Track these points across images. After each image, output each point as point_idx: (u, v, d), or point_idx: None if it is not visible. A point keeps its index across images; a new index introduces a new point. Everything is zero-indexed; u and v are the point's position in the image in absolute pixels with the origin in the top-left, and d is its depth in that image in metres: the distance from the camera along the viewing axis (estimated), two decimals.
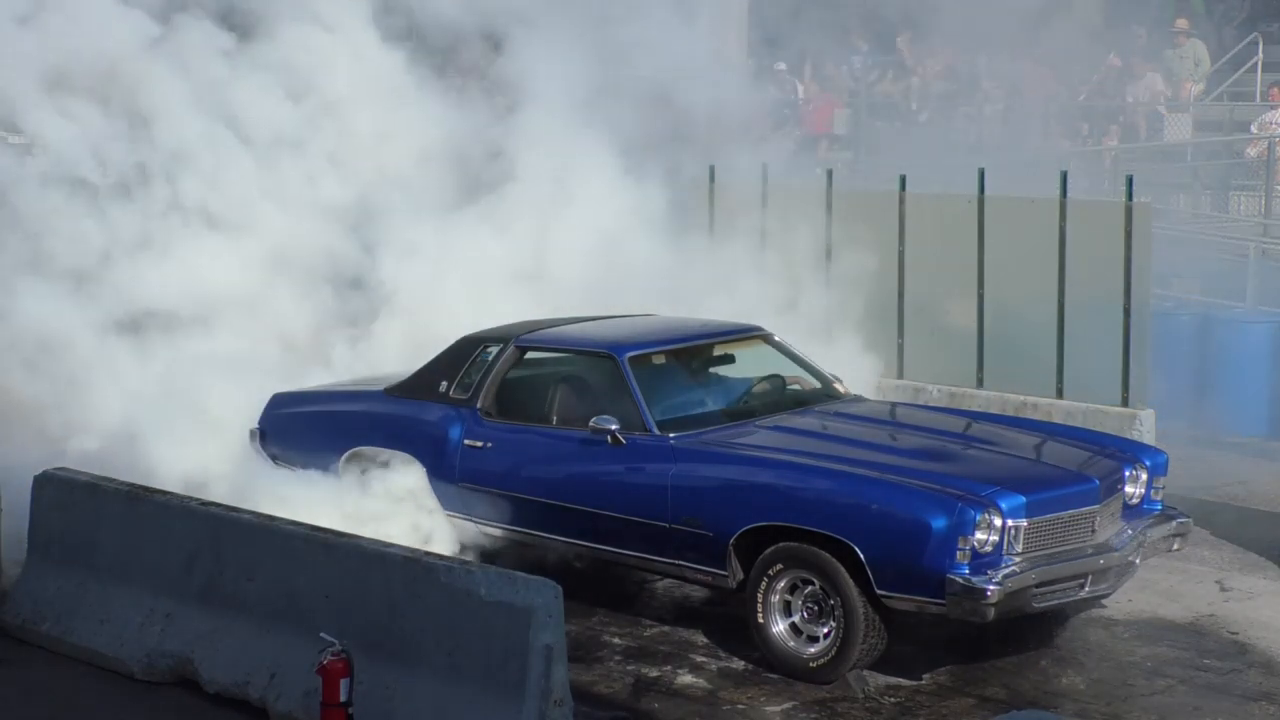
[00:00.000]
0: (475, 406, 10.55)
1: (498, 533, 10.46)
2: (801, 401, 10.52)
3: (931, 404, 12.91)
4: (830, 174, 14.77)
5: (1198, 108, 21.63)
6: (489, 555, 10.26)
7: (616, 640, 9.93)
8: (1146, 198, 12.77)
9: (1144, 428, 12.28)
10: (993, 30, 21.19)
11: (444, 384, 10.74)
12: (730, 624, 9.86)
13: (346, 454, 10.94)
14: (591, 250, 13.70)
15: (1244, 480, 12.97)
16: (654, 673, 9.41)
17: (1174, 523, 9.84)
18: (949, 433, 10.13)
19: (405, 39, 14.47)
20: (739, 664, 9.47)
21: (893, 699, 8.96)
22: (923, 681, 9.16)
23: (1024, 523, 8.86)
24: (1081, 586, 9.05)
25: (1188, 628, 9.97)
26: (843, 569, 8.93)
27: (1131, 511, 9.72)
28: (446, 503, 10.55)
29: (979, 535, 8.70)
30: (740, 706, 8.91)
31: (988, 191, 13.45)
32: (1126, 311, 12.47)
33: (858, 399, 10.94)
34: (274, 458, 11.33)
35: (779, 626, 9.24)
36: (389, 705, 8.12)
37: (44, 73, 12.90)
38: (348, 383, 11.87)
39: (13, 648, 9.70)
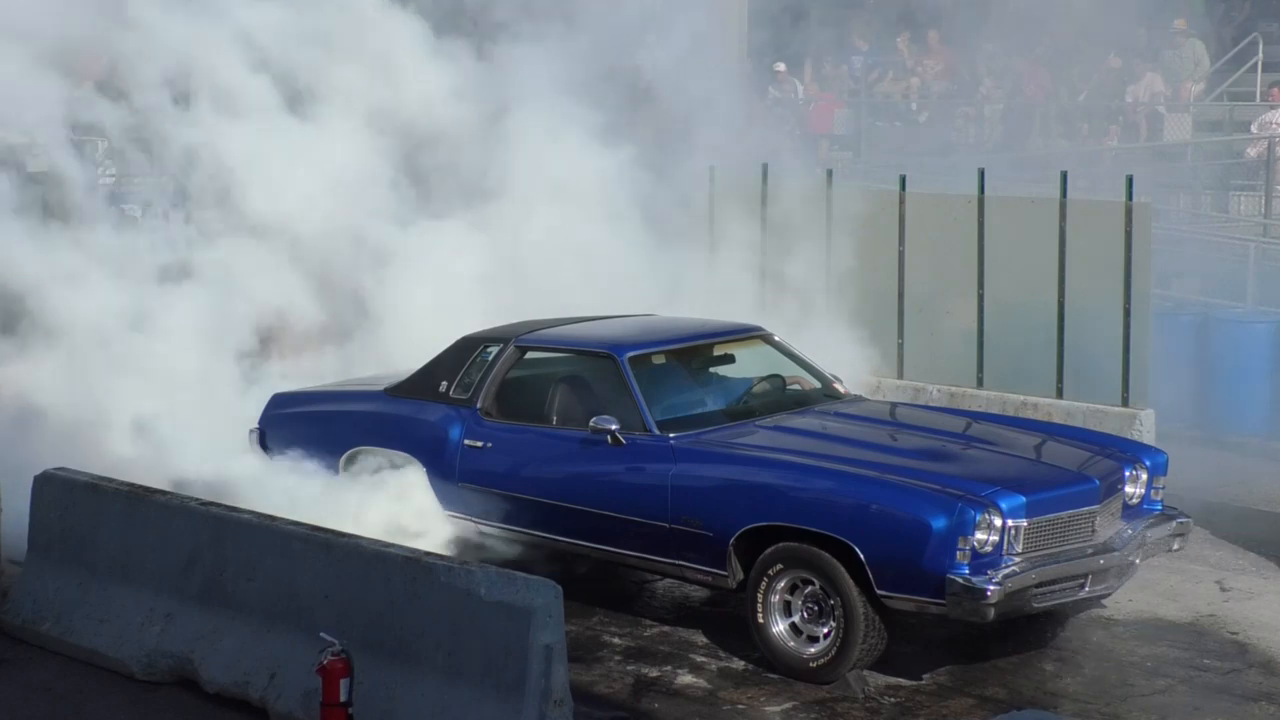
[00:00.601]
0: (475, 406, 10.55)
1: (498, 533, 10.46)
2: (801, 401, 10.52)
3: (931, 404, 12.92)
4: (830, 174, 14.77)
5: (1198, 108, 21.63)
6: (489, 555, 10.25)
7: (616, 640, 9.93)
8: (1146, 198, 12.77)
9: (1144, 428, 12.28)
10: (993, 30, 21.22)
11: (444, 384, 10.75)
12: (730, 624, 9.86)
13: (346, 454, 10.94)
14: (591, 250, 13.71)
15: (1244, 480, 12.97)
16: (654, 673, 9.41)
17: (1174, 523, 9.83)
18: (949, 433, 10.13)
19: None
20: (739, 664, 9.47)
21: (893, 699, 8.96)
22: (923, 681, 9.16)
23: (1024, 523, 8.86)
24: (1081, 586, 9.05)
25: (1188, 628, 9.97)
26: (843, 569, 8.93)
27: (1131, 511, 9.72)
28: (446, 503, 10.55)
29: (979, 535, 8.70)
30: (740, 706, 8.92)
31: (988, 191, 13.46)
32: (1126, 311, 12.48)
33: (858, 399, 10.94)
34: (274, 458, 11.33)
35: (779, 626, 9.24)
36: (389, 705, 8.12)
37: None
38: (348, 383, 11.87)
39: (13, 648, 9.69)
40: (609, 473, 9.88)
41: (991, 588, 8.59)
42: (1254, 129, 20.30)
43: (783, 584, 9.20)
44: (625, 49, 15.23)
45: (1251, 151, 20.16)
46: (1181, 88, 21.59)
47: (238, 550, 9.04)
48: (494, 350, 10.74)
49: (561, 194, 14.04)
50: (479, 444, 10.44)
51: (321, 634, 7.91)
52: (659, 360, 10.51)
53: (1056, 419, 12.22)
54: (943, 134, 22.16)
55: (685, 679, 9.31)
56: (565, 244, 13.77)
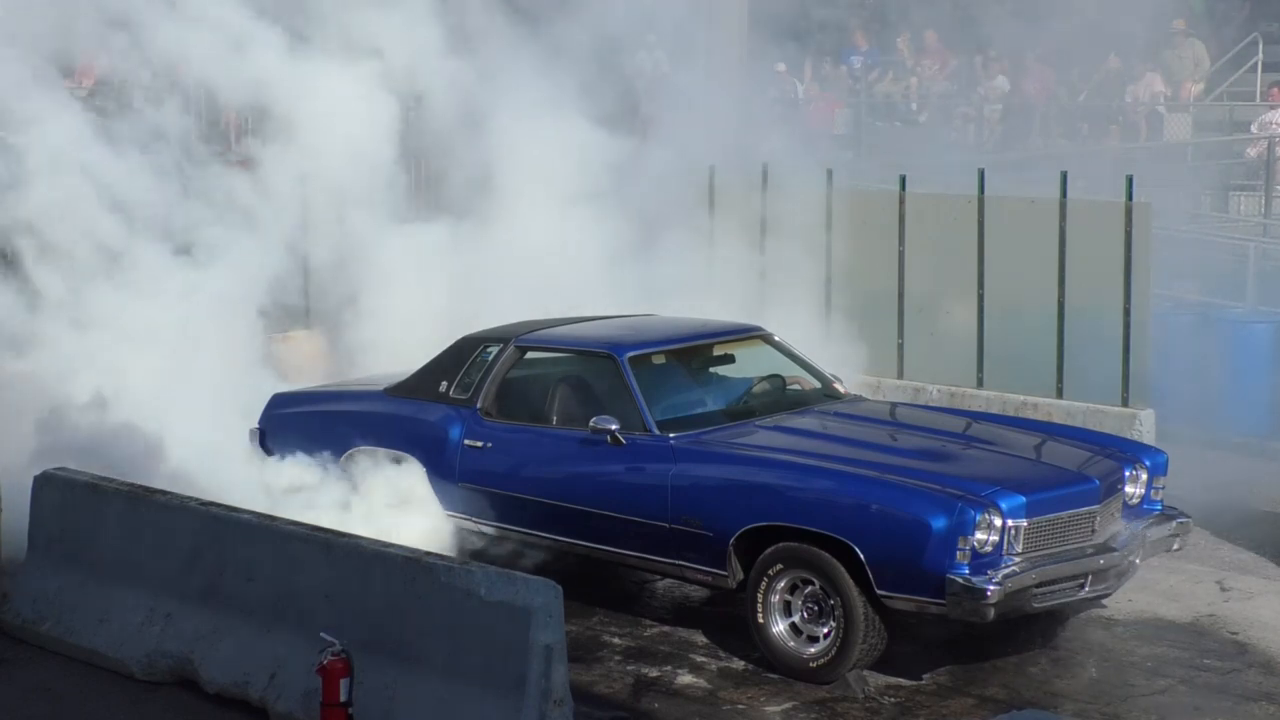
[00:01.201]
0: (475, 406, 10.55)
1: (497, 533, 10.46)
2: (801, 401, 10.52)
3: (931, 404, 12.92)
4: (830, 174, 14.78)
5: (1198, 108, 21.63)
6: (489, 555, 10.25)
7: (616, 640, 9.93)
8: (1146, 198, 12.77)
9: (1144, 428, 12.29)
10: (994, 31, 21.22)
11: (444, 384, 10.75)
12: (730, 624, 9.86)
13: (346, 454, 10.94)
14: (589, 249, 13.72)
15: (1244, 480, 12.96)
16: (654, 673, 9.41)
17: (1174, 523, 9.84)
18: (949, 433, 10.13)
19: None
20: (739, 664, 9.47)
21: (893, 699, 8.96)
22: (923, 681, 9.16)
23: (1024, 523, 8.86)
24: (1081, 586, 9.05)
25: (1188, 628, 9.97)
26: (843, 569, 8.93)
27: (1131, 511, 9.72)
28: (446, 503, 10.55)
29: (979, 535, 8.70)
30: (740, 706, 8.92)
31: (988, 191, 13.46)
32: (1126, 311, 12.48)
33: (858, 399, 10.94)
34: (274, 458, 11.34)
35: (779, 626, 9.24)
36: (389, 705, 8.12)
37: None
38: (348, 383, 11.87)
39: (13, 648, 9.70)
40: (609, 473, 9.88)
41: (991, 588, 8.59)
42: (1254, 129, 20.30)
43: (783, 584, 9.20)
44: (626, 49, 15.23)
45: (1251, 151, 20.15)
46: (1181, 88, 21.59)
47: (238, 550, 9.05)
48: (494, 350, 10.74)
49: (560, 194, 14.05)
50: (479, 444, 10.44)
51: (321, 634, 7.91)
52: (659, 360, 10.51)
53: (1056, 419, 12.22)
54: (943, 134, 22.16)
55: (685, 679, 9.31)
56: (564, 244, 13.78)
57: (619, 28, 15.07)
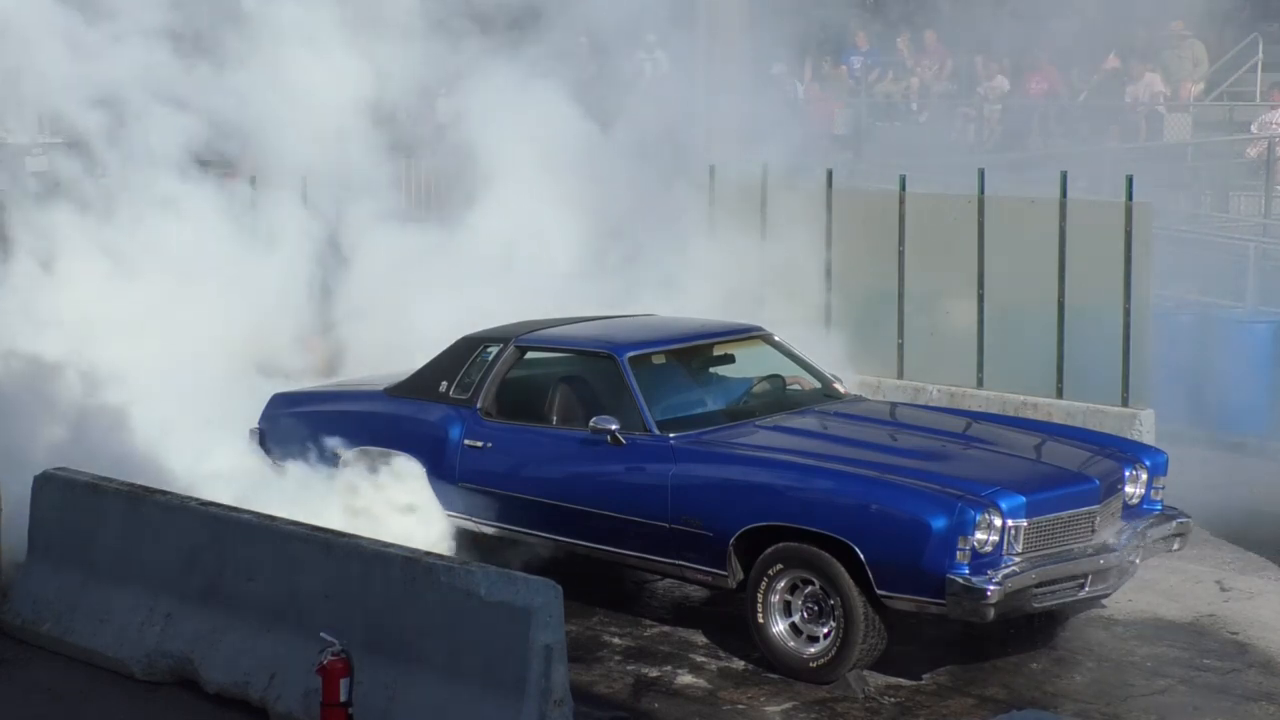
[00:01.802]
0: (475, 406, 10.55)
1: (498, 533, 10.46)
2: (801, 402, 10.52)
3: (931, 404, 12.92)
4: (830, 174, 14.78)
5: (1198, 108, 21.62)
6: (489, 555, 10.25)
7: (616, 640, 9.93)
8: (1146, 198, 12.77)
9: (1144, 428, 12.28)
10: (994, 31, 21.21)
11: (444, 384, 10.75)
12: (730, 624, 9.86)
13: (346, 454, 10.93)
14: (588, 249, 13.72)
15: (1244, 480, 12.96)
16: (654, 673, 9.41)
17: (1174, 523, 9.83)
18: (949, 433, 10.13)
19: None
20: (739, 664, 9.47)
21: (893, 699, 8.96)
22: (923, 681, 9.16)
23: (1024, 523, 8.86)
24: (1081, 586, 9.05)
25: (1188, 628, 9.97)
26: (843, 569, 8.93)
27: (1131, 511, 9.72)
28: (446, 503, 10.56)
29: (979, 535, 8.70)
30: (740, 706, 8.92)
31: (987, 191, 13.45)
32: (1126, 311, 12.48)
33: (858, 399, 10.94)
34: (274, 458, 11.34)
35: (779, 626, 9.24)
36: (389, 705, 8.12)
37: None
38: (348, 383, 11.88)
39: (13, 648, 9.70)
40: (609, 473, 9.88)
41: (991, 588, 8.59)
42: (1254, 129, 20.29)
43: (783, 584, 9.20)
44: (626, 48, 15.23)
45: (1251, 151, 20.14)
46: (1181, 88, 21.58)
47: (238, 550, 9.05)
48: (494, 350, 10.74)
49: (560, 193, 14.05)
50: (479, 444, 10.44)
51: (321, 634, 7.91)
52: (659, 360, 10.51)
53: (1056, 419, 12.22)
54: (943, 134, 22.15)
55: (685, 679, 9.31)
56: (565, 244, 13.78)
57: (619, 27, 15.07)
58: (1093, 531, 9.20)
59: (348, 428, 11.09)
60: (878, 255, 13.82)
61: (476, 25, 14.63)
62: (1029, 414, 12.43)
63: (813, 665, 9.10)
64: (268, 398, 11.65)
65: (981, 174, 13.55)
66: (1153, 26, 21.76)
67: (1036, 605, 8.95)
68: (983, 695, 8.97)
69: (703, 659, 9.60)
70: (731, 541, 9.32)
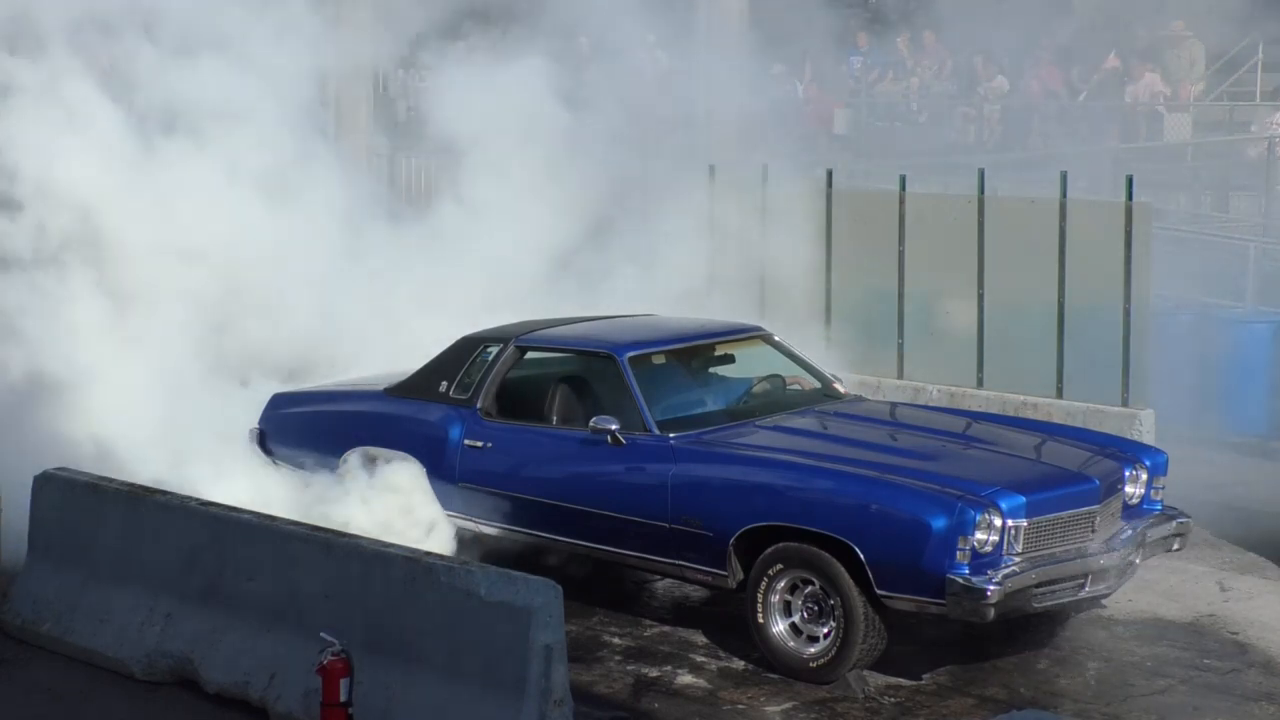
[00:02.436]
0: (475, 406, 10.55)
1: (498, 533, 10.46)
2: (801, 401, 10.52)
3: (931, 404, 12.91)
4: (830, 174, 14.78)
5: (1198, 108, 21.62)
6: (489, 555, 10.25)
7: (616, 640, 9.93)
8: (1146, 198, 12.76)
9: (1144, 428, 12.28)
10: (994, 31, 21.21)
11: (444, 384, 10.75)
12: (730, 624, 9.86)
13: (346, 454, 10.93)
14: (588, 249, 13.72)
15: (1244, 480, 12.96)
16: (654, 673, 9.41)
17: (1174, 523, 9.84)
18: (949, 433, 10.13)
19: None
20: (739, 664, 9.47)
21: (893, 699, 8.96)
22: (923, 681, 9.16)
23: (1024, 523, 8.86)
24: (1081, 586, 9.05)
25: (1188, 628, 9.97)
26: (843, 569, 8.93)
27: (1131, 511, 9.72)
28: (446, 503, 10.55)
29: (979, 535, 8.70)
30: (740, 706, 8.92)
31: (987, 192, 13.45)
32: (1126, 311, 12.47)
33: (858, 399, 10.95)
34: (274, 458, 11.34)
35: (779, 626, 9.24)
36: (389, 705, 8.12)
37: None
38: (348, 383, 11.87)
39: (13, 648, 9.70)
40: (609, 473, 9.88)
41: (991, 588, 8.59)
42: (1254, 129, 20.28)
43: (783, 584, 9.20)
44: (626, 48, 15.23)
45: (1251, 151, 20.13)
46: (1181, 88, 21.58)
47: (238, 550, 9.05)
48: (494, 350, 10.74)
49: (559, 192, 14.05)
50: (479, 444, 10.44)
51: (321, 634, 7.91)
52: (659, 360, 10.51)
53: (1056, 419, 12.21)
54: (943, 134, 22.15)
55: (685, 679, 9.31)
56: (564, 243, 13.78)
57: (620, 27, 15.07)
58: (1093, 531, 9.20)
59: (348, 428, 11.09)
60: (878, 255, 13.81)
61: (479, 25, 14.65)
62: (1029, 414, 12.42)
63: (813, 665, 9.10)
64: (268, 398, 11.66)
65: (981, 174, 13.55)
66: (1153, 26, 21.76)
67: (1036, 605, 8.95)
68: (983, 695, 8.97)
69: (703, 659, 9.60)
70: (731, 541, 9.32)
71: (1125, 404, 12.52)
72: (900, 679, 9.16)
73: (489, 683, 7.85)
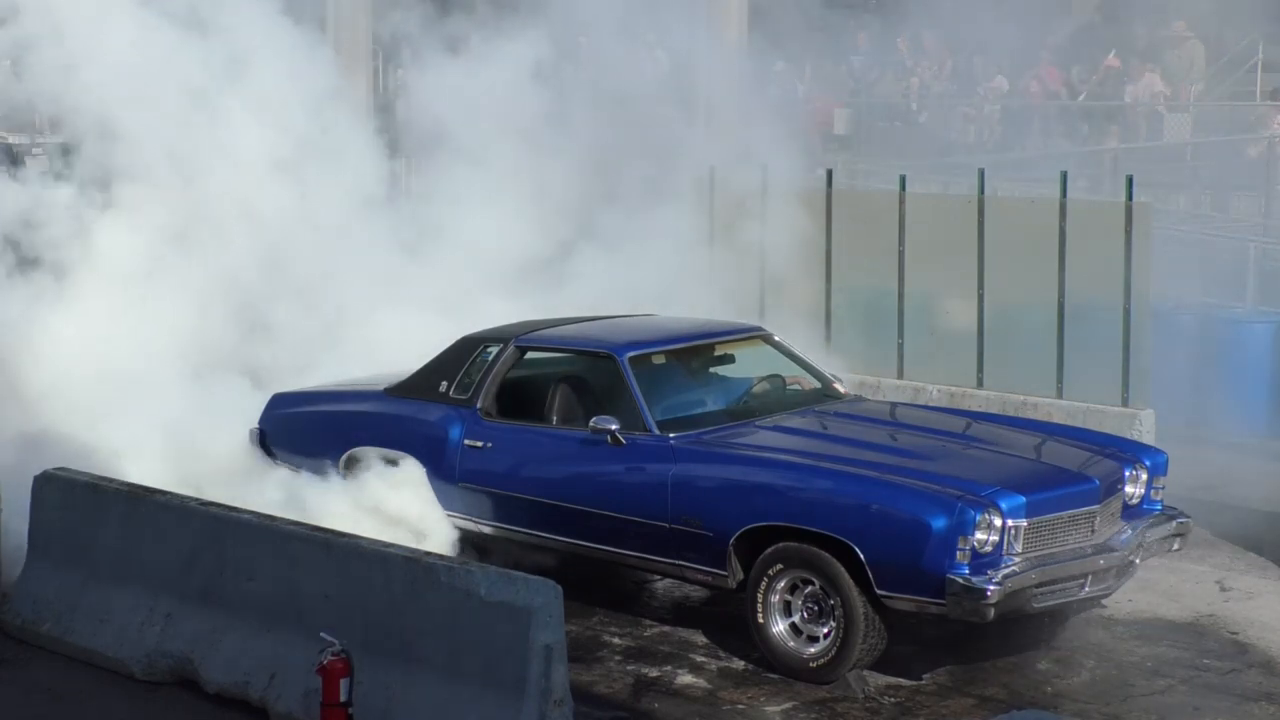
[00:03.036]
0: (475, 406, 10.55)
1: (498, 533, 10.46)
2: (801, 401, 10.52)
3: (931, 404, 12.92)
4: (830, 174, 14.78)
5: (1198, 108, 21.63)
6: (489, 555, 10.26)
7: (616, 640, 9.93)
8: (1146, 198, 12.77)
9: (1144, 428, 12.29)
10: (994, 32, 21.21)
11: (444, 384, 10.75)
12: (730, 624, 9.86)
13: (346, 454, 10.94)
14: (588, 248, 13.72)
15: (1244, 480, 12.96)
16: (654, 673, 9.41)
17: (1174, 523, 9.83)
18: (949, 433, 10.12)
19: None
20: (739, 664, 9.47)
21: (893, 699, 8.96)
22: (923, 681, 9.16)
23: (1024, 523, 8.86)
24: (1081, 586, 9.05)
25: (1188, 628, 9.97)
26: (843, 569, 8.93)
27: (1131, 511, 9.72)
28: (446, 503, 10.55)
29: (979, 535, 8.70)
30: (740, 706, 8.92)
31: (987, 192, 13.46)
32: (1126, 311, 12.48)
33: (858, 399, 10.95)
34: (274, 458, 11.34)
35: (779, 626, 9.24)
36: (389, 705, 8.12)
37: None
38: (348, 383, 11.87)
39: (13, 648, 9.70)
40: (609, 473, 9.87)
41: (991, 588, 8.59)
42: (1253, 129, 20.29)
43: (783, 584, 9.20)
44: (626, 49, 15.23)
45: (1251, 151, 20.14)
46: (1181, 88, 21.59)
47: (238, 550, 9.04)
48: (494, 350, 10.74)
49: (559, 193, 14.05)
50: (479, 444, 10.44)
51: (321, 634, 7.91)
52: (659, 360, 10.51)
53: (1056, 419, 12.22)
54: (943, 134, 22.16)
55: (685, 679, 9.31)
56: (564, 243, 13.78)
57: (619, 28, 15.07)
58: (1093, 531, 9.21)
59: (348, 428, 11.10)
60: (878, 255, 13.82)
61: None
62: (1029, 414, 12.43)
63: (813, 665, 9.10)
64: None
65: (981, 174, 13.56)
66: (1153, 26, 21.77)
67: (1036, 605, 8.95)
68: (983, 695, 8.97)
69: (703, 659, 9.60)
70: (731, 541, 9.32)
71: (1125, 404, 12.53)
72: (900, 679, 9.16)
73: (489, 683, 7.85)
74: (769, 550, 9.21)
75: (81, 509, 9.81)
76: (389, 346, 12.11)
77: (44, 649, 9.64)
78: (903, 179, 13.90)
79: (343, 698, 7.73)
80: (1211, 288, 16.11)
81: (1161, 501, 9.92)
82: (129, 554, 9.52)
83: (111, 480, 9.91)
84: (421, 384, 10.89)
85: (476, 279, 13.14)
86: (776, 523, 9.18)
